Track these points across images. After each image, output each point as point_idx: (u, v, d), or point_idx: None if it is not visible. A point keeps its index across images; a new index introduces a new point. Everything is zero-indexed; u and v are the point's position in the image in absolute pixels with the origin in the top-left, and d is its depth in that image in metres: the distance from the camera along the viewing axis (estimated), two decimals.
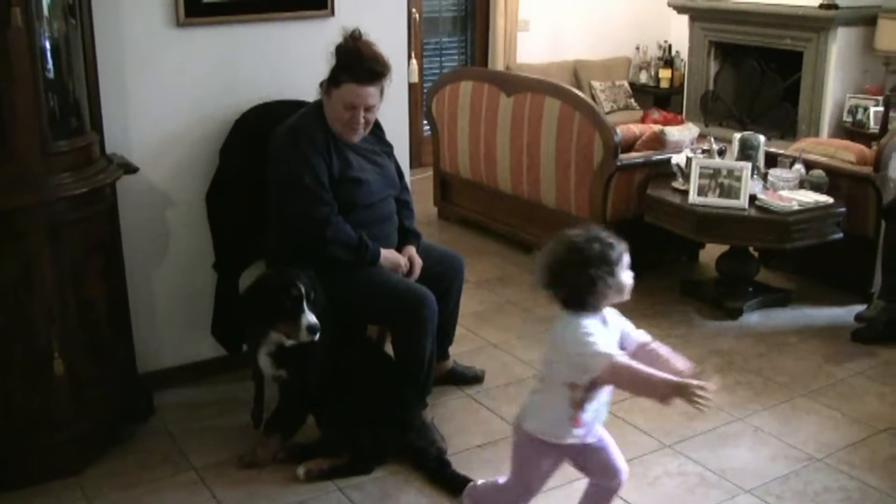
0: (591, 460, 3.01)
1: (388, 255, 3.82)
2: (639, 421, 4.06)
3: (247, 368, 4.01)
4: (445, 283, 4.04)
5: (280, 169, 3.75)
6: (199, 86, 4.07)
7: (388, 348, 3.99)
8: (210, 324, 4.25)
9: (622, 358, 2.74)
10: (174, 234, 4.15)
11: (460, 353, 4.52)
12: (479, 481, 3.31)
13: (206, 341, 4.30)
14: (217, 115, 4.10)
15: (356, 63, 3.69)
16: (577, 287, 2.78)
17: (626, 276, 2.86)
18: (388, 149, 4.02)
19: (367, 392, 3.67)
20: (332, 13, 4.32)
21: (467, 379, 4.36)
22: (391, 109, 4.22)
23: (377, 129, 3.97)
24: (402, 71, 4.69)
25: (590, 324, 2.79)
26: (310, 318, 3.45)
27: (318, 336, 3.45)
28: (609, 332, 2.87)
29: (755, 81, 8.36)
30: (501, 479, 3.14)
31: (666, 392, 2.64)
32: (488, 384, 4.36)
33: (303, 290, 3.47)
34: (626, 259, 2.87)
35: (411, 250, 3.96)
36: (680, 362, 2.80)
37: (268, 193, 3.85)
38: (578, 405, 2.82)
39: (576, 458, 3.02)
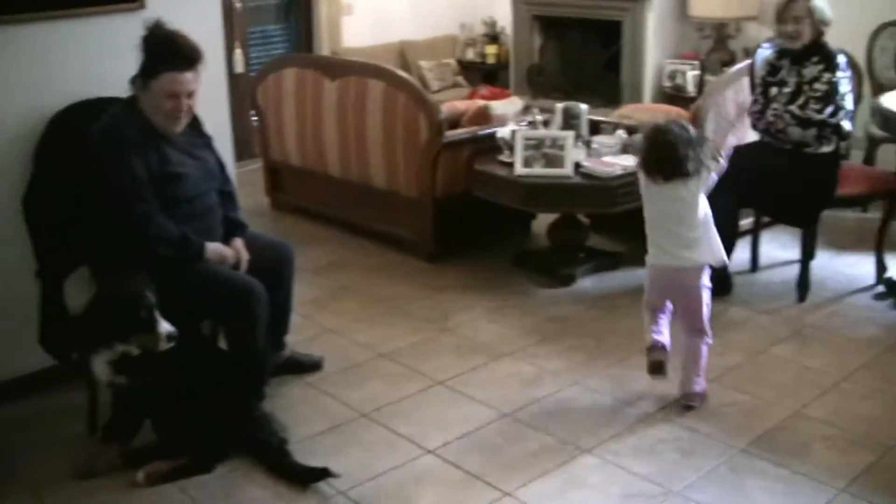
0: None
1: (213, 248, 3.75)
2: (476, 392, 4.11)
3: (78, 377, 3.89)
4: (275, 273, 4.01)
5: (96, 170, 3.64)
6: (6, 87, 3.91)
7: (223, 342, 3.95)
8: (37, 334, 4.10)
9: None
10: None
11: (298, 341, 4.49)
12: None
13: (32, 352, 4.13)
14: (28, 117, 3.95)
15: (171, 51, 3.62)
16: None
17: None
18: (206, 140, 3.95)
19: (203, 389, 3.61)
20: (143, 6, 4.21)
21: (306, 367, 4.33)
22: (211, 100, 4.16)
23: (194, 120, 3.90)
24: (219, 61, 4.63)
25: None
26: (166, 326, 3.38)
27: (174, 345, 3.37)
28: None
29: (578, 53, 8.51)
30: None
31: None
32: (327, 370, 4.35)
33: (152, 299, 3.39)
34: None
35: (238, 242, 3.90)
36: None
37: (87, 195, 3.73)
38: None
39: None
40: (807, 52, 4.87)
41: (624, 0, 7.76)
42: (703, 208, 3.86)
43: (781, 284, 5.20)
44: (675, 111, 5.67)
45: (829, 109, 4.78)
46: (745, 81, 5.31)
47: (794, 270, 5.13)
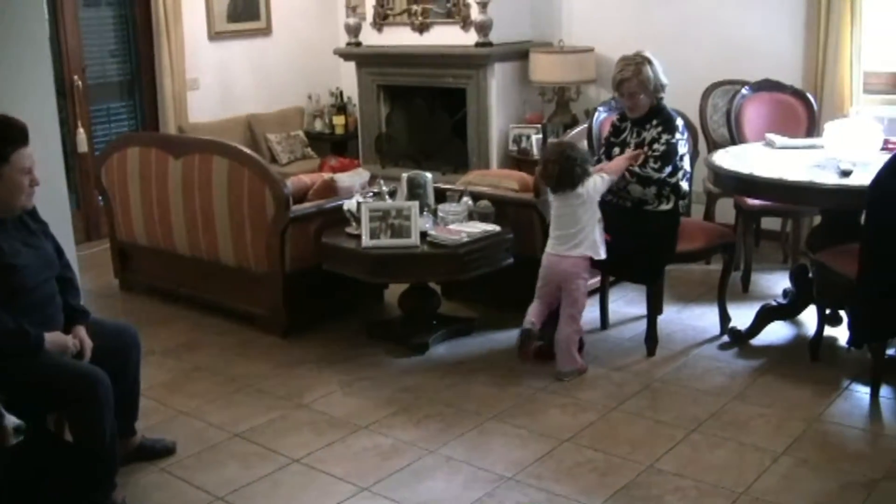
0: None
1: (53, 338, 3.64)
2: (333, 469, 4.07)
3: None
4: (121, 359, 3.91)
5: None
6: None
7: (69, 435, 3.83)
8: None
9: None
10: None
11: (150, 426, 4.40)
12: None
13: None
14: None
15: (9, 130, 3.57)
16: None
17: None
18: (42, 227, 3.84)
19: (50, 484, 3.49)
20: None
21: (158, 452, 4.22)
22: (48, 184, 4.06)
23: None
24: (55, 142, 4.55)
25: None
26: (13, 419, 3.23)
27: (22, 439, 3.23)
28: None
29: (425, 120, 8.60)
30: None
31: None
32: (181, 454, 4.25)
33: None
34: None
35: (80, 330, 3.80)
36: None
37: None
38: None
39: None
40: (647, 117, 5.07)
41: (467, 68, 7.90)
42: (594, 212, 4.83)
43: (631, 340, 5.32)
44: (518, 175, 5.77)
45: (668, 169, 4.95)
46: (584, 144, 5.44)
47: (643, 326, 5.24)
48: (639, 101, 5.06)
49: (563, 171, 4.79)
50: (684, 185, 5.06)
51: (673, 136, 4.99)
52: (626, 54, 5.16)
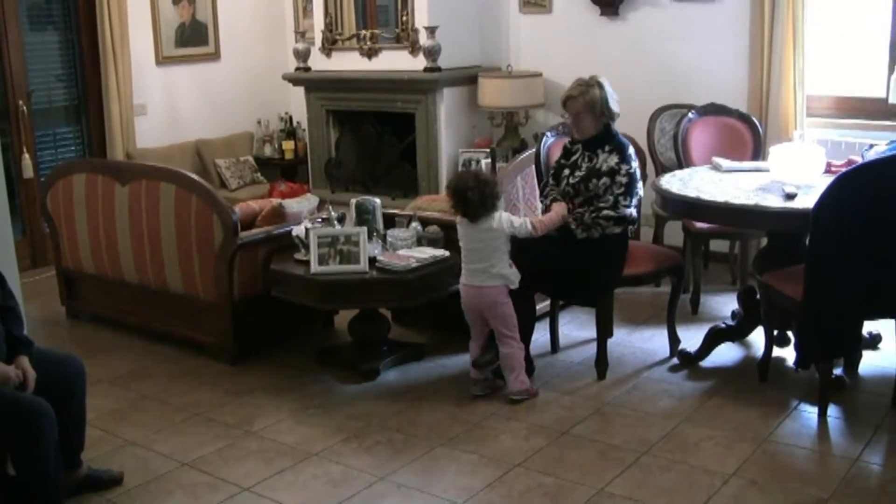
0: None
1: None
2: (283, 497, 4.03)
3: None
4: (65, 389, 3.86)
5: None
6: None
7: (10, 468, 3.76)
8: None
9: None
10: None
11: (97, 456, 4.34)
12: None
13: None
14: None
15: None
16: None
17: None
18: None
19: None
20: None
21: (105, 483, 4.16)
22: None
23: None
24: None
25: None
26: None
27: None
28: None
29: (374, 145, 8.60)
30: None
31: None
32: (128, 485, 4.19)
33: None
34: None
35: (23, 361, 3.73)
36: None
37: None
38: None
39: None
40: (597, 141, 5.03)
41: (415, 93, 7.91)
42: (505, 244, 4.80)
43: (581, 364, 5.33)
44: None
45: (634, 200, 5.00)
46: (533, 169, 5.46)
47: (593, 349, 5.25)
48: (583, 123, 5.03)
49: (481, 197, 4.72)
50: (634, 211, 5.06)
51: (631, 166, 4.98)
52: (582, 77, 5.15)
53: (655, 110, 6.94)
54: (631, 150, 5.05)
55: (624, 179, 4.93)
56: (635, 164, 5.02)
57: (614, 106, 5.05)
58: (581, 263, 4.97)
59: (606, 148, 5.00)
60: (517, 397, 4.85)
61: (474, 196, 4.71)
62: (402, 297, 5.02)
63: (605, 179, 4.94)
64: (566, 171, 5.11)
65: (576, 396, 4.93)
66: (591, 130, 5.04)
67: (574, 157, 5.11)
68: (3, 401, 3.53)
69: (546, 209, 5.15)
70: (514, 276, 4.81)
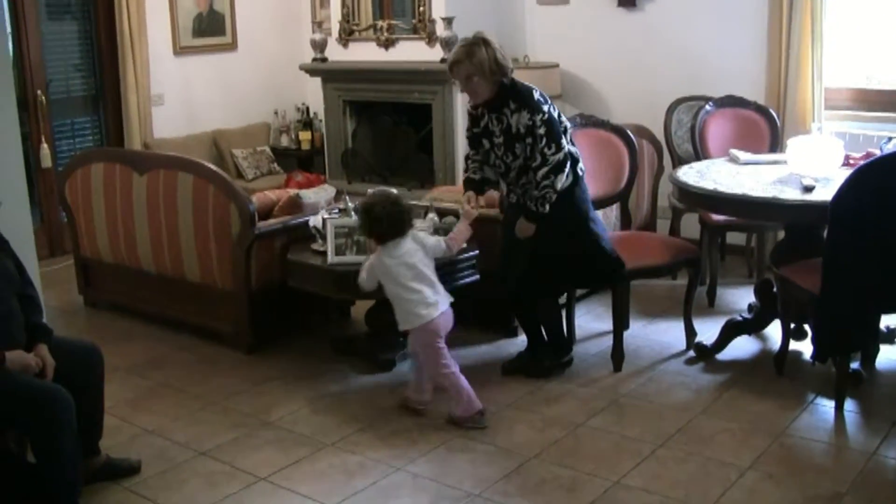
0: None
1: (14, 357, 3.60)
2: (299, 487, 4.05)
3: None
4: (84, 377, 3.88)
5: None
6: None
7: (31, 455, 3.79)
8: None
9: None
10: None
11: (114, 444, 4.35)
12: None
13: None
14: None
15: None
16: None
17: None
18: (2, 244, 3.81)
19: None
20: None
21: (122, 471, 4.18)
22: (11, 200, 4.03)
23: None
24: (16, 157, 4.50)
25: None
26: None
27: None
28: None
29: (390, 136, 8.61)
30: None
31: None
32: (146, 473, 4.21)
33: None
34: None
35: (42, 349, 3.76)
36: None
37: None
38: None
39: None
40: (500, 100, 4.71)
41: (432, 84, 7.91)
42: (432, 260, 4.62)
43: (597, 356, 5.33)
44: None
45: (564, 143, 4.69)
46: None
47: (609, 341, 5.25)
48: (475, 87, 4.68)
49: (394, 215, 4.48)
50: (567, 150, 4.71)
51: (543, 113, 4.62)
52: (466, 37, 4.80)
53: (672, 102, 6.93)
54: (537, 93, 4.70)
55: (542, 130, 4.60)
56: (547, 105, 4.68)
57: (505, 61, 4.71)
58: (557, 240, 4.80)
59: (511, 105, 4.67)
60: (467, 425, 4.54)
61: (381, 212, 4.47)
62: None
63: (528, 140, 4.64)
64: (485, 143, 4.84)
65: (592, 388, 4.93)
66: (486, 94, 4.70)
67: (483, 123, 4.81)
68: (22, 388, 3.55)
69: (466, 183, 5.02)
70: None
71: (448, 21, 7.60)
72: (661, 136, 6.73)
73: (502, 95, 4.70)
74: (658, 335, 5.62)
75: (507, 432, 4.48)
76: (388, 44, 8.25)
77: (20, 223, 4.35)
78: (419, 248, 4.57)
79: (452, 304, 4.63)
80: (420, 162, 8.27)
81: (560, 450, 4.30)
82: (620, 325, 5.18)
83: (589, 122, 5.67)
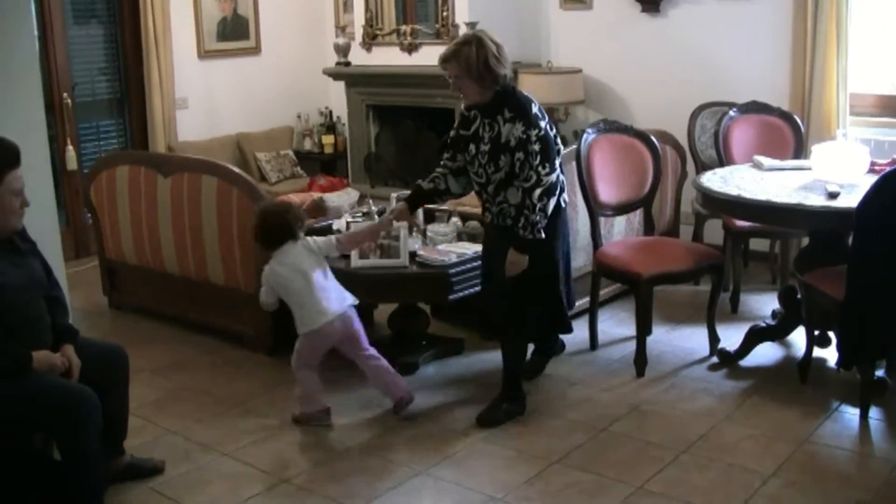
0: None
1: (41, 357, 3.62)
2: (322, 489, 4.06)
3: None
4: (109, 378, 3.90)
5: None
6: None
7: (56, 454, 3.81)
8: None
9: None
10: None
11: (137, 445, 4.38)
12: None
13: None
14: None
15: (2, 152, 3.58)
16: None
17: None
18: (30, 246, 3.84)
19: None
20: None
21: (146, 471, 4.21)
22: (37, 202, 4.05)
23: None
24: (44, 160, 4.54)
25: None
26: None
27: None
28: None
29: (413, 140, 8.63)
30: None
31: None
32: (169, 474, 4.24)
33: None
34: None
35: (68, 349, 3.78)
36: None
37: None
38: None
39: None
40: (495, 105, 4.43)
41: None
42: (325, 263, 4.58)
43: (620, 361, 5.32)
44: None
45: (557, 163, 4.47)
46: (574, 165, 5.44)
47: (632, 346, 5.25)
48: (464, 89, 4.40)
49: (277, 223, 4.50)
50: (557, 174, 4.48)
51: (540, 129, 4.34)
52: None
53: (696, 108, 6.92)
54: (535, 107, 4.42)
55: (537, 147, 4.32)
56: (544, 122, 4.40)
57: (499, 66, 4.36)
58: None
59: (506, 113, 4.39)
60: (407, 408, 4.69)
61: (264, 220, 4.53)
62: (441, 292, 5.00)
63: (518, 154, 4.35)
64: (472, 148, 4.54)
65: (614, 394, 4.93)
66: (475, 96, 4.42)
67: (475, 127, 4.52)
68: (49, 388, 3.57)
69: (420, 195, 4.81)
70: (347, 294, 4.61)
71: (471, 26, 7.60)
72: (684, 142, 6.73)
73: (498, 102, 4.42)
74: (681, 341, 5.61)
75: (530, 436, 4.49)
76: (411, 48, 8.28)
77: (47, 225, 4.37)
78: (309, 253, 4.51)
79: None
80: None
81: (582, 455, 4.30)
82: (643, 330, 5.17)
83: (612, 127, 5.66)
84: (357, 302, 4.60)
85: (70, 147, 7.75)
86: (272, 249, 4.53)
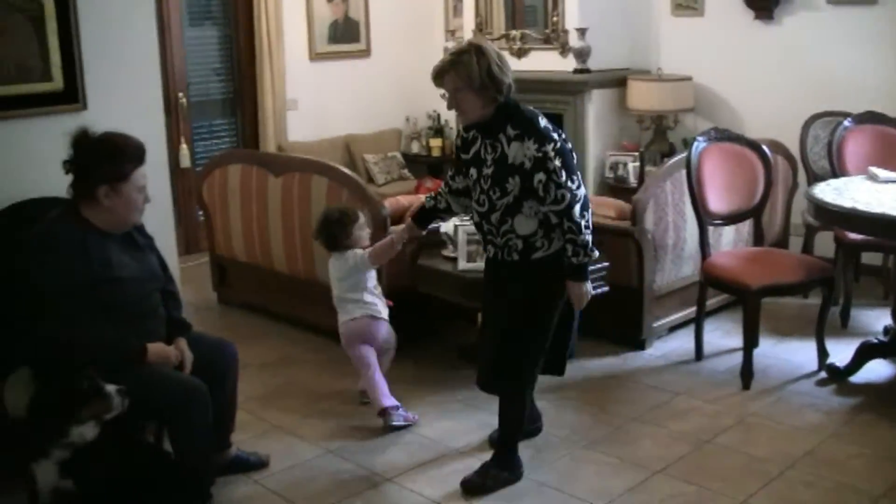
0: None
1: (155, 349, 3.73)
2: (425, 490, 4.10)
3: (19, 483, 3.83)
4: (219, 372, 3.99)
5: (32, 275, 3.60)
6: None
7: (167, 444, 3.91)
8: None
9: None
10: None
11: (244, 439, 4.47)
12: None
13: None
14: None
15: (128, 149, 3.68)
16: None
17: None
18: (148, 241, 3.94)
19: (148, 493, 3.57)
20: (85, 107, 4.25)
21: (252, 465, 4.30)
22: (155, 199, 4.15)
23: None
24: (162, 158, 4.66)
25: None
26: (112, 386, 3.41)
27: (127, 402, 3.42)
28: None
29: None
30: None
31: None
32: (274, 468, 4.32)
33: (90, 372, 3.42)
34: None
35: (181, 343, 3.88)
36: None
37: (25, 297, 3.69)
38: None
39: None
40: (496, 123, 3.92)
41: (564, 94, 7.91)
42: (363, 275, 4.81)
43: (725, 373, 5.26)
44: (615, 203, 5.76)
45: (577, 177, 3.89)
46: (684, 174, 5.40)
47: (738, 358, 5.18)
48: (462, 102, 3.92)
49: (328, 233, 4.81)
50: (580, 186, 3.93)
51: (555, 141, 3.83)
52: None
53: (809, 117, 6.79)
54: (544, 120, 3.91)
55: (558, 162, 3.80)
56: (555, 134, 3.87)
57: (503, 75, 3.90)
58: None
59: (510, 131, 3.87)
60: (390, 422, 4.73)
61: (319, 227, 4.85)
62: None
63: (539, 176, 3.82)
64: (473, 173, 4.04)
65: (719, 405, 4.87)
66: (475, 112, 3.91)
67: (475, 150, 4.03)
68: (163, 379, 3.67)
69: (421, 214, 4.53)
70: (381, 306, 4.90)
71: (581, 32, 7.60)
72: (795, 152, 6.61)
73: (500, 118, 3.90)
74: (788, 354, 5.52)
75: (633, 445, 4.46)
76: (520, 53, 8.28)
77: (163, 221, 4.51)
78: (345, 264, 4.78)
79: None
80: None
81: (686, 466, 4.26)
82: (750, 342, 5.11)
83: (723, 136, 5.59)
84: (383, 315, 4.90)
85: (184, 145, 7.94)
86: (331, 249, 4.87)
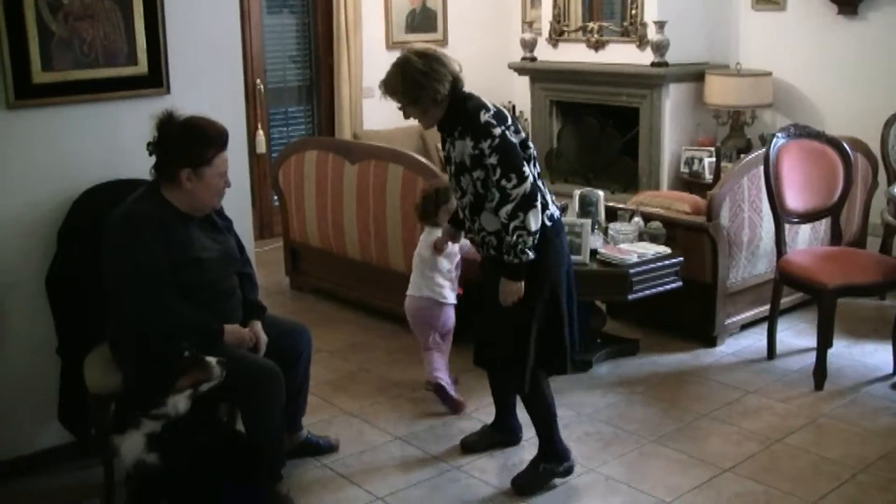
0: None
1: (232, 330, 3.78)
2: (492, 479, 4.12)
3: (94, 455, 3.92)
4: (293, 356, 4.04)
5: (115, 256, 3.67)
6: (32, 169, 4.02)
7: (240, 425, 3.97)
8: (56, 410, 4.15)
9: None
10: (13, 319, 4.06)
11: (314, 423, 4.52)
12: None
13: (51, 428, 4.19)
14: (52, 199, 4.06)
15: (212, 134, 3.73)
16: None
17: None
18: (227, 224, 4.00)
19: (220, 472, 3.61)
20: (168, 91, 4.31)
21: (322, 449, 4.35)
22: (233, 184, 4.21)
23: None
24: (241, 143, 4.72)
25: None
26: (212, 357, 3.48)
27: (225, 373, 3.49)
28: None
29: (596, 138, 8.59)
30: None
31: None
32: (343, 453, 4.37)
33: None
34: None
35: (256, 325, 3.93)
36: None
37: (106, 277, 3.77)
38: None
39: None
40: (447, 123, 3.89)
41: (641, 87, 7.86)
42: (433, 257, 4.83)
43: (798, 372, 5.20)
44: (690, 198, 5.72)
45: (524, 171, 3.71)
46: (761, 170, 5.34)
47: (811, 358, 5.12)
48: (413, 114, 3.95)
49: (424, 204, 4.93)
50: (530, 183, 3.73)
51: (492, 139, 3.69)
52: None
53: (891, 116, 6.67)
54: (487, 114, 3.75)
55: (493, 160, 3.70)
56: (500, 128, 3.72)
57: (429, 81, 3.79)
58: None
59: (459, 129, 3.81)
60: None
61: (420, 200, 4.97)
62: (620, 291, 4.96)
63: (477, 173, 3.77)
64: (448, 172, 4.03)
65: (790, 405, 4.82)
66: (428, 119, 3.93)
67: (447, 147, 3.96)
68: (238, 361, 3.71)
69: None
70: (448, 290, 4.91)
71: (660, 25, 7.55)
72: (876, 151, 6.50)
73: (451, 117, 3.86)
74: (863, 356, 5.43)
75: (702, 442, 4.44)
76: (597, 45, 8.25)
77: (241, 205, 4.55)
78: (428, 236, 4.85)
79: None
80: (624, 165, 8.23)
81: (755, 465, 4.22)
82: (824, 342, 5.04)
83: (803, 133, 5.52)
84: (448, 300, 4.88)
85: (260, 131, 8.03)
86: (422, 221, 5.00)
